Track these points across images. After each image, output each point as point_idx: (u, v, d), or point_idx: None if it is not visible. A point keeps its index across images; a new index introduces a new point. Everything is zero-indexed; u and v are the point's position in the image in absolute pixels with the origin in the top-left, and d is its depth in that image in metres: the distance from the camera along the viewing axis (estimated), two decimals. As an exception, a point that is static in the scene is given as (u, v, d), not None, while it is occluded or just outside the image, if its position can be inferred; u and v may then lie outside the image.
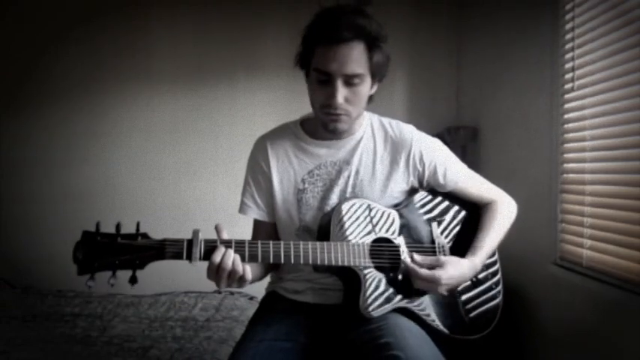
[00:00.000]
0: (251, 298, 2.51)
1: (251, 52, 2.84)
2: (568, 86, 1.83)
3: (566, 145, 1.86)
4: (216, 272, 0.99)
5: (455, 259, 1.15)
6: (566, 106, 1.85)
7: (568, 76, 1.83)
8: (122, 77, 2.89)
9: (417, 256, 1.13)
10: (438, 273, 1.09)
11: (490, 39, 2.50)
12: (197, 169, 2.92)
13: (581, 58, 1.76)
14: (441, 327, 1.17)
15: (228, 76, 2.90)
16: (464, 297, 1.22)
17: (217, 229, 1.05)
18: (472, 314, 1.22)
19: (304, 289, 1.24)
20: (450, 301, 1.20)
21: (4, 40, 2.87)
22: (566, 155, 1.87)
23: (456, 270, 1.12)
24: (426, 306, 1.16)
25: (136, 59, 2.89)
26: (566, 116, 1.86)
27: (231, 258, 0.99)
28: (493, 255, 1.29)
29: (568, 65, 1.82)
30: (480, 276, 1.25)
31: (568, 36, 1.82)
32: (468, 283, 1.23)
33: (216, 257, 0.99)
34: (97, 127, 2.90)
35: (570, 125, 1.84)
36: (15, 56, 2.87)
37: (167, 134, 2.92)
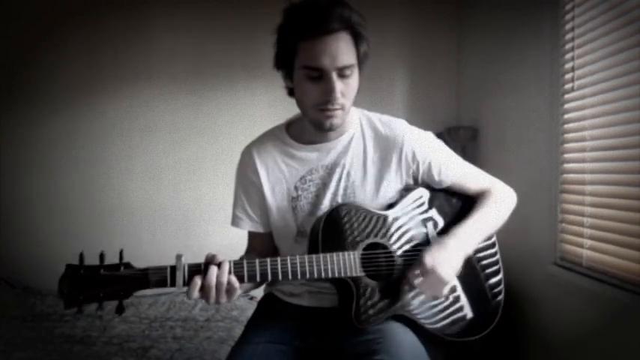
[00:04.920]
0: (251, 299, 2.51)
1: (251, 52, 2.84)
2: (568, 86, 1.83)
3: (566, 145, 1.86)
4: (200, 291, 0.97)
5: (433, 247, 1.10)
6: (566, 106, 1.85)
7: (568, 76, 1.83)
8: (122, 77, 2.89)
9: (407, 276, 1.09)
10: (432, 272, 1.05)
11: (490, 39, 2.50)
12: (197, 169, 2.92)
13: (581, 58, 1.77)
14: (438, 331, 1.15)
15: (228, 76, 2.90)
16: (463, 299, 1.20)
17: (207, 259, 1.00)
18: (471, 317, 1.19)
19: (301, 292, 1.22)
20: (448, 305, 1.18)
21: (3, 40, 2.87)
22: (566, 155, 1.87)
23: (441, 253, 1.08)
24: (421, 310, 1.14)
25: (136, 59, 2.89)
26: (566, 116, 1.86)
27: (214, 274, 0.96)
28: (495, 254, 1.26)
29: (568, 65, 1.83)
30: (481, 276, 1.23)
31: (568, 36, 1.82)
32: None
33: (197, 279, 0.96)
34: (96, 127, 2.91)
35: (570, 125, 1.84)
36: (14, 56, 2.87)
37: (167, 134, 2.92)
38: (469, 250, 1.15)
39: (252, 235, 1.28)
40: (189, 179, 2.92)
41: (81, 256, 0.96)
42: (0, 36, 2.86)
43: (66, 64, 2.87)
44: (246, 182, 1.22)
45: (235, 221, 1.25)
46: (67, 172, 2.90)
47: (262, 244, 1.26)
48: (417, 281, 1.07)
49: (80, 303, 0.95)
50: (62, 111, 2.89)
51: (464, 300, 1.19)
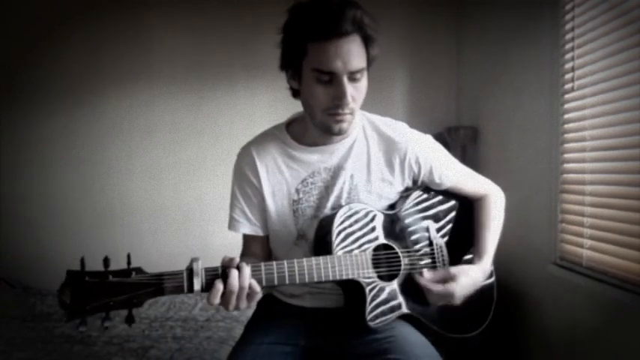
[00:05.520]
0: (251, 298, 2.51)
1: (251, 52, 2.84)
2: (568, 86, 1.83)
3: (566, 145, 1.86)
4: (222, 296, 0.92)
5: (465, 268, 1.13)
6: (566, 106, 1.85)
7: (568, 76, 1.83)
8: (122, 77, 2.89)
9: (426, 273, 1.11)
10: (451, 287, 1.08)
11: (490, 39, 2.50)
12: (197, 169, 2.92)
13: (581, 58, 1.77)
14: (440, 329, 1.16)
15: (228, 76, 2.90)
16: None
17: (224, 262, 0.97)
18: (466, 313, 1.20)
19: (302, 293, 1.21)
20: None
21: (4, 40, 2.87)
22: (566, 155, 1.87)
23: (468, 278, 1.11)
24: (425, 309, 1.14)
25: (136, 59, 2.89)
26: (566, 116, 1.86)
27: (236, 279, 0.92)
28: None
29: (568, 65, 1.83)
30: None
31: (568, 36, 1.82)
32: None
33: (219, 284, 0.91)
34: (96, 127, 2.91)
35: (570, 125, 1.84)
36: (14, 56, 2.87)
37: (167, 134, 2.92)
38: (488, 270, 1.21)
39: (249, 239, 1.24)
40: (189, 179, 2.92)
41: (82, 262, 0.88)
42: (0, 36, 2.86)
43: (66, 64, 2.87)
44: (245, 183, 1.19)
45: (233, 224, 1.21)
46: (67, 172, 2.90)
47: (261, 247, 1.23)
48: (432, 293, 1.09)
49: (86, 313, 0.85)
50: (62, 111, 2.89)
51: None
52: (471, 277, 1.12)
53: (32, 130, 2.90)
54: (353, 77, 1.02)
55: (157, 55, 2.90)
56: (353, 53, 1.00)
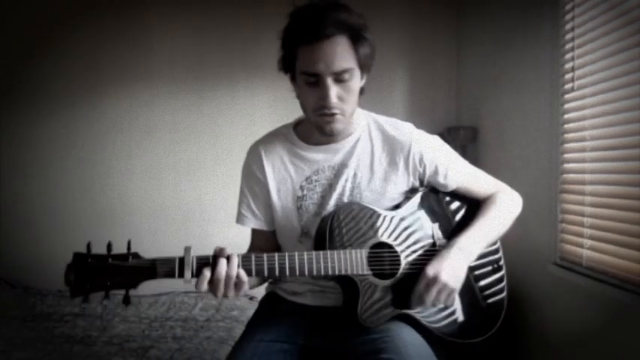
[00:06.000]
0: (251, 298, 2.51)
1: (251, 52, 2.84)
2: (568, 86, 1.83)
3: (566, 145, 1.86)
4: (209, 283, 0.98)
5: (439, 261, 1.09)
6: (566, 106, 1.85)
7: (568, 76, 1.83)
8: (122, 77, 2.89)
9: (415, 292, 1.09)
10: (439, 287, 1.05)
11: (490, 39, 2.50)
12: (197, 169, 2.92)
13: (581, 58, 1.77)
14: (441, 332, 1.15)
15: (228, 76, 2.90)
16: (464, 302, 1.20)
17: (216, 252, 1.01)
18: (473, 319, 1.20)
19: (304, 290, 1.22)
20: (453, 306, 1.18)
21: (3, 40, 2.87)
22: (566, 155, 1.87)
23: (439, 262, 1.08)
24: (425, 311, 1.14)
25: (136, 59, 2.89)
26: (566, 116, 1.86)
27: (224, 267, 0.97)
28: (498, 256, 1.27)
29: (568, 65, 1.83)
30: (483, 283, 1.23)
31: (568, 36, 1.83)
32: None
33: (206, 271, 0.97)
34: (96, 127, 2.91)
35: (570, 125, 1.84)
36: (14, 56, 2.87)
37: (167, 134, 2.92)
38: (472, 258, 1.15)
39: (256, 233, 1.28)
40: (189, 179, 2.92)
41: (88, 246, 0.96)
42: (0, 36, 2.86)
43: (66, 64, 2.87)
44: (252, 180, 1.23)
45: (240, 219, 1.25)
46: (67, 172, 2.90)
47: (266, 243, 1.26)
48: (425, 294, 1.07)
49: (87, 291, 0.95)
50: (62, 111, 2.89)
51: (466, 303, 1.19)
52: (446, 259, 1.09)
53: (32, 130, 2.90)
54: (340, 78, 1.05)
55: (157, 55, 2.89)
56: (337, 54, 1.03)
